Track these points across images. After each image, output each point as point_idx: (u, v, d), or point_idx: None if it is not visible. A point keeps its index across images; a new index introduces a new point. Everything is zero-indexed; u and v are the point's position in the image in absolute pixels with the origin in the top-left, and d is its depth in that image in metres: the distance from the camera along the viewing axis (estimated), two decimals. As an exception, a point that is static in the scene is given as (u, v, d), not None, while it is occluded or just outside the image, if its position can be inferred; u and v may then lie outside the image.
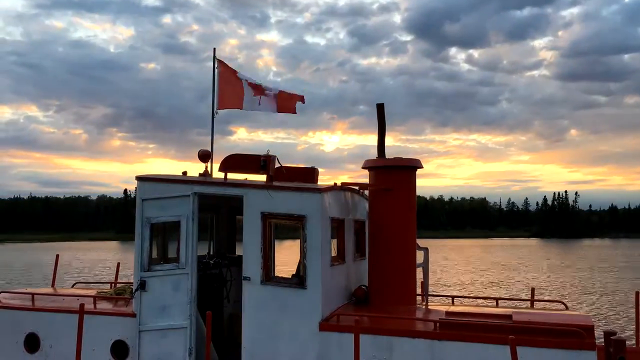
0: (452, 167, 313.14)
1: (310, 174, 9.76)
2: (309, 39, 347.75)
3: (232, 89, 10.79)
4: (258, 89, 10.82)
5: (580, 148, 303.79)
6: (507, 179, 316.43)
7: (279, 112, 10.91)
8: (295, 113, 11.01)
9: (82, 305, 8.27)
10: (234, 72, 10.94)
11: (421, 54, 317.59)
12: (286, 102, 10.91)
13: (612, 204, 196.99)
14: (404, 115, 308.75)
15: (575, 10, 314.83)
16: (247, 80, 10.82)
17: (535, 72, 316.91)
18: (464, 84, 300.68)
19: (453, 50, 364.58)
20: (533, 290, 10.71)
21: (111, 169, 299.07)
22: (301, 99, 10.93)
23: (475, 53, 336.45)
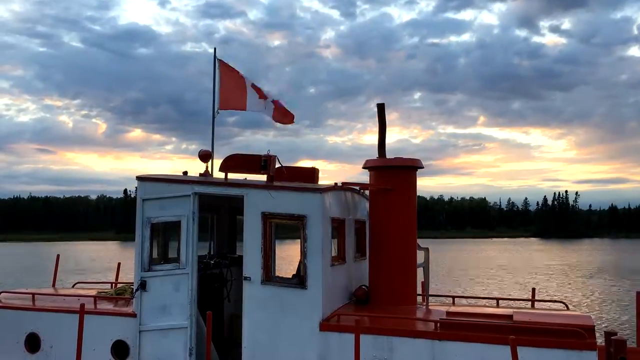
0: (486, 163, 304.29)
1: (310, 174, 9.76)
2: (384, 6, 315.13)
3: (234, 90, 10.79)
4: (261, 93, 10.83)
5: (630, 142, 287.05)
6: (538, 178, 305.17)
7: (274, 120, 10.94)
8: (291, 123, 11.07)
9: (82, 305, 8.28)
10: (236, 72, 10.93)
11: (513, 19, 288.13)
12: (281, 113, 10.95)
13: (612, 204, 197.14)
14: (461, 103, 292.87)
15: None
16: (252, 83, 10.83)
17: (631, 47, 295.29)
18: (546, 60, 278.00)
19: (551, 18, 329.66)
20: (534, 290, 10.70)
21: (125, 166, 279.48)
22: (291, 118, 11.00)
23: (572, 20, 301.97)
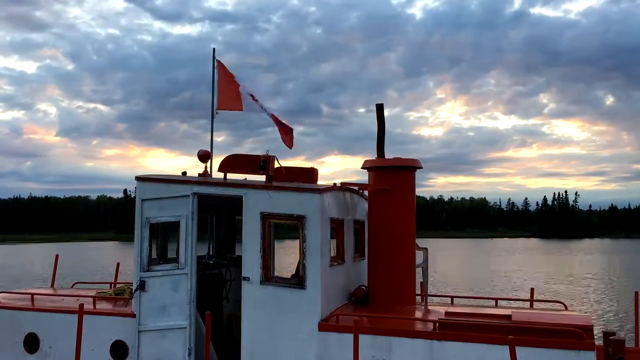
0: (530, 159, 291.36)
1: (309, 174, 9.78)
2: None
3: (231, 91, 10.79)
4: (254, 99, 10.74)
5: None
6: (576, 177, 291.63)
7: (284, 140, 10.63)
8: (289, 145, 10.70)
9: (81, 306, 8.28)
10: (232, 75, 10.93)
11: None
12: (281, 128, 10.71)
13: (612, 204, 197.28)
14: (540, 86, 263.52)
15: None
16: (249, 93, 10.78)
17: None
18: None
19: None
20: (532, 290, 10.70)
21: (145, 162, 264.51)
22: (289, 140, 10.63)
23: None
